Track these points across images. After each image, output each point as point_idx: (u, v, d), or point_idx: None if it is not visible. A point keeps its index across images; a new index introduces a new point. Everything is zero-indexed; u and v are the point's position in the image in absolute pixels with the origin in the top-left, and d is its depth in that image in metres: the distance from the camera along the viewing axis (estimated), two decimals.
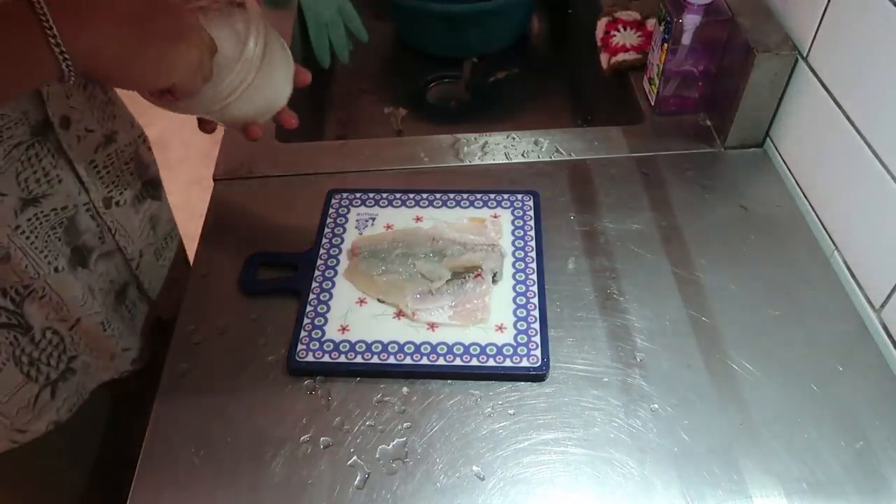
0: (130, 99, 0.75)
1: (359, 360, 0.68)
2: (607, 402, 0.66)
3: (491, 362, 0.67)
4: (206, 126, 0.69)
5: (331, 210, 0.81)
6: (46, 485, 0.79)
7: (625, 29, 1.05)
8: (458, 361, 0.67)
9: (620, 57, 1.02)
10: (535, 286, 0.73)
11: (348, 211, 0.81)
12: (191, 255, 0.82)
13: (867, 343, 0.70)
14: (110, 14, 0.49)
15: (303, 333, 0.70)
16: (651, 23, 1.03)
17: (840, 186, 0.77)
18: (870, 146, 0.71)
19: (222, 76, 0.61)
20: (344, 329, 0.70)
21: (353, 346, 0.69)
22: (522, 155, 0.90)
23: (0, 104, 0.58)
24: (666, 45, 0.87)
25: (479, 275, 0.73)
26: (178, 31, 0.53)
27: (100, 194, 0.73)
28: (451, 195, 0.83)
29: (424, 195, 0.83)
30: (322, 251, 0.77)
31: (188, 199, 1.64)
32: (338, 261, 0.76)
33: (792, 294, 0.74)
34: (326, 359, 0.68)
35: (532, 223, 0.80)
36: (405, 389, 0.67)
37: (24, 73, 0.49)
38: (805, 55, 0.81)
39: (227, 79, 0.61)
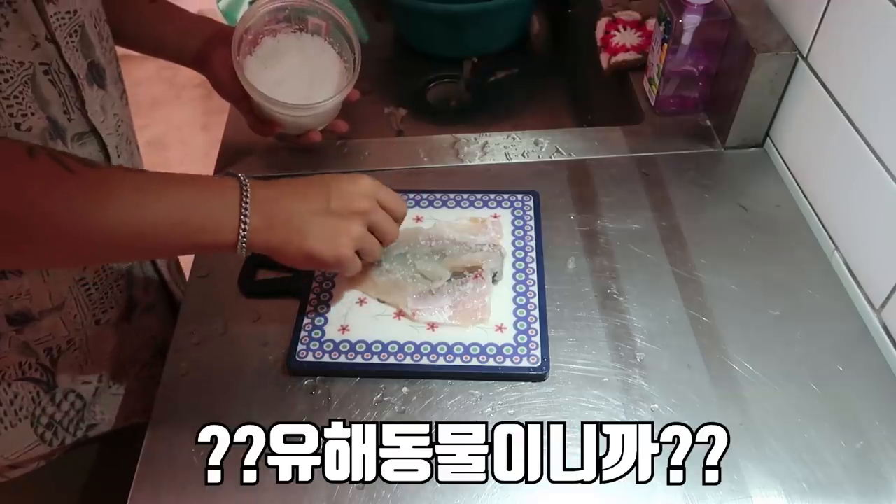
0: (132, 98, 0.76)
1: (359, 360, 0.68)
2: (607, 402, 0.66)
3: (491, 362, 0.67)
4: (265, 129, 0.80)
5: None
6: None
7: (625, 29, 1.05)
8: (458, 361, 0.67)
9: (620, 57, 1.02)
10: (535, 286, 0.73)
11: None
12: (190, 255, 0.82)
13: (867, 343, 0.70)
14: (288, 229, 0.61)
15: (303, 333, 0.70)
16: (651, 23, 1.03)
17: (840, 186, 0.77)
18: (870, 146, 0.71)
19: (322, 96, 0.76)
20: (344, 329, 0.70)
21: (353, 346, 0.69)
22: (522, 155, 0.90)
23: (164, 255, 0.68)
24: (666, 45, 0.87)
25: (479, 275, 0.73)
26: (335, 239, 0.63)
27: None
28: (451, 195, 0.83)
29: (424, 195, 0.83)
30: None
31: None
32: None
33: (792, 294, 0.74)
34: (326, 359, 0.68)
35: (532, 223, 0.80)
36: (405, 389, 0.67)
37: (207, 236, 0.58)
38: (805, 55, 0.81)
39: (328, 105, 0.76)
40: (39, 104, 0.58)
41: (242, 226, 0.58)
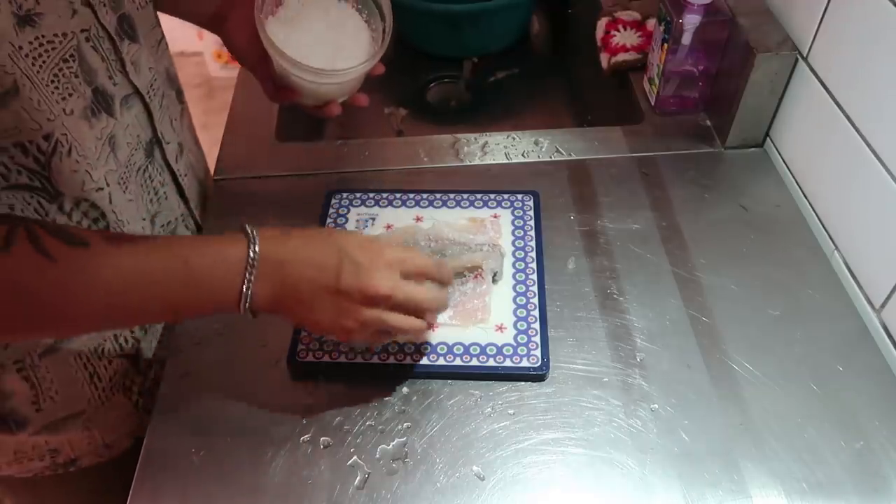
0: None
1: (359, 360, 0.68)
2: (607, 402, 0.66)
3: (491, 362, 0.67)
4: (282, 96, 0.74)
5: (331, 210, 0.81)
6: None
7: (625, 29, 1.05)
8: (458, 361, 0.67)
9: (620, 57, 1.02)
10: (535, 286, 0.73)
11: (348, 211, 0.81)
12: None
13: (867, 343, 0.70)
14: (294, 299, 0.57)
15: (303, 333, 0.69)
16: (651, 23, 1.03)
17: (840, 186, 0.77)
18: (870, 146, 0.71)
19: (345, 64, 0.69)
20: None
21: (353, 346, 0.68)
22: (522, 155, 0.90)
23: (169, 319, 0.69)
24: (666, 45, 0.87)
25: (479, 275, 0.73)
26: (341, 321, 0.58)
27: (194, 203, 0.80)
28: (451, 195, 0.83)
29: (424, 195, 0.83)
30: None
31: None
32: None
33: (792, 294, 0.74)
34: (326, 359, 0.68)
35: (532, 223, 0.80)
36: (405, 389, 0.67)
37: (211, 294, 0.55)
38: (805, 55, 0.81)
39: (353, 73, 0.70)
40: (85, 76, 0.58)
41: (245, 293, 0.55)
